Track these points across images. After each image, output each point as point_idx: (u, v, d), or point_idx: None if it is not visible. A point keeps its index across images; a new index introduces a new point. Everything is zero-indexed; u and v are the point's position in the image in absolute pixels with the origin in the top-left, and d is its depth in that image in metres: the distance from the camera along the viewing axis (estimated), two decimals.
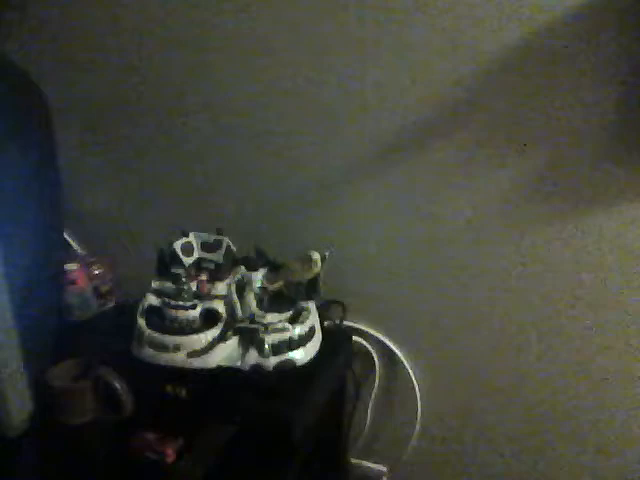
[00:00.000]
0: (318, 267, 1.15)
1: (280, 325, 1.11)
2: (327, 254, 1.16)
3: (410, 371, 1.36)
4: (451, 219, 1.24)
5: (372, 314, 1.37)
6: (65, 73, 1.39)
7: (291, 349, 1.12)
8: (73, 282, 1.34)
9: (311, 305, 1.18)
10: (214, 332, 1.12)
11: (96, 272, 1.41)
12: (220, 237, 1.21)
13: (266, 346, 1.10)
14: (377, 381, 1.40)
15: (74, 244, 1.54)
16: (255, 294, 1.18)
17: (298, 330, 1.12)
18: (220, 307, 1.14)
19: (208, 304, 1.14)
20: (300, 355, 1.12)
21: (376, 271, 1.33)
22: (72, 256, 1.42)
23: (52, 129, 1.23)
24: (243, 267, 1.20)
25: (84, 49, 1.37)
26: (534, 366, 1.27)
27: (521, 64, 1.11)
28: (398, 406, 1.42)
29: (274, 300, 1.19)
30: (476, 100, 1.15)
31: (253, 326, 1.11)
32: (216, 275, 1.19)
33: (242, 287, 1.19)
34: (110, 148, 1.44)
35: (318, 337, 1.18)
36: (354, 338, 1.36)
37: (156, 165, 1.42)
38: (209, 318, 1.14)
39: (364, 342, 1.38)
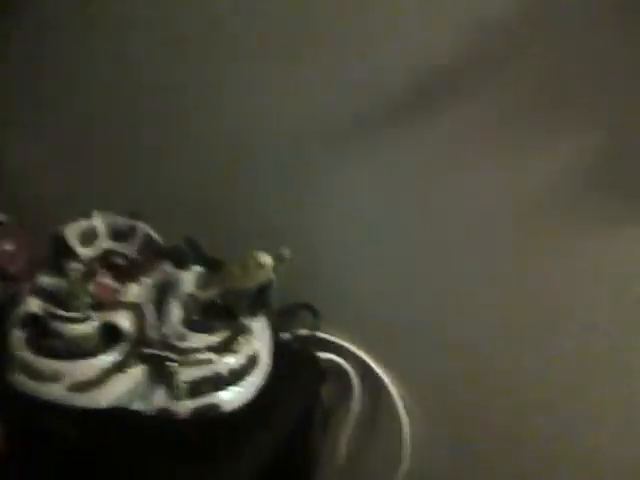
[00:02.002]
0: (269, 274, 0.81)
1: (202, 356, 0.78)
2: (286, 254, 0.82)
3: (395, 397, 1.04)
4: (461, 211, 0.88)
5: (353, 324, 1.03)
6: None
7: (217, 389, 0.78)
8: None
9: (256, 324, 0.84)
10: (110, 358, 0.79)
11: (7, 248, 1.09)
12: (135, 222, 0.87)
13: (178, 384, 0.77)
14: (356, 409, 1.07)
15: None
16: (182, 303, 0.84)
17: (229, 362, 0.79)
18: (124, 321, 0.80)
19: (108, 316, 0.81)
20: (230, 396, 0.79)
21: (360, 269, 0.99)
22: None
23: None
24: (169, 264, 0.87)
25: None
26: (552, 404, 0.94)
27: None
28: (382, 440, 1.09)
29: (208, 314, 0.85)
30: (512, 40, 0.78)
31: (164, 353, 0.78)
32: (128, 274, 0.86)
33: (165, 292, 0.85)
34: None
35: (262, 367, 0.84)
36: (329, 356, 1.02)
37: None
38: (112, 336, 0.81)
39: (341, 360, 1.03)
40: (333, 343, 1.04)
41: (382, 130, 0.88)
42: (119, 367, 0.79)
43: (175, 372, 0.77)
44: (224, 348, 0.80)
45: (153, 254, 0.87)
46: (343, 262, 0.99)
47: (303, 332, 1.02)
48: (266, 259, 0.80)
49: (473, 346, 0.97)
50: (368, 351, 1.04)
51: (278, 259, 0.82)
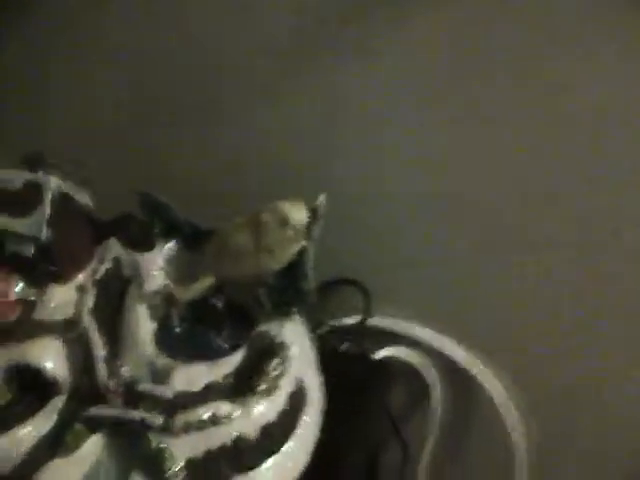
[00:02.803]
0: (301, 237, 0.43)
1: (206, 409, 0.40)
2: (320, 203, 0.45)
3: (500, 405, 0.66)
4: None
5: (416, 302, 0.66)
6: None
7: (241, 468, 0.41)
8: None
9: (290, 331, 0.46)
10: (34, 431, 0.41)
11: None
12: (38, 175, 0.48)
13: (169, 468, 0.39)
14: (437, 419, 0.69)
15: None
16: (152, 309, 0.46)
17: (257, 416, 0.41)
18: (48, 358, 0.43)
19: (17, 352, 0.43)
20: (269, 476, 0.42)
21: (419, 224, 0.61)
22: None
23: None
24: (114, 242, 0.49)
25: None
26: None
27: None
28: (481, 457, 0.71)
29: (198, 324, 0.47)
30: None
31: (136, 414, 0.40)
32: (41, 271, 0.47)
33: (117, 295, 0.47)
34: None
35: (313, 409, 0.47)
36: (391, 352, 0.65)
37: None
38: (29, 389, 0.43)
39: (409, 355, 0.66)
40: (392, 333, 0.67)
41: None
42: (54, 446, 0.42)
43: (161, 448, 0.39)
44: (244, 388, 0.42)
45: (82, 229, 0.49)
46: (393, 215, 0.62)
47: (347, 322, 0.65)
48: (299, 212, 0.42)
49: None
50: (445, 338, 0.67)
51: (314, 212, 0.44)
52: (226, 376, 0.43)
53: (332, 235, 0.50)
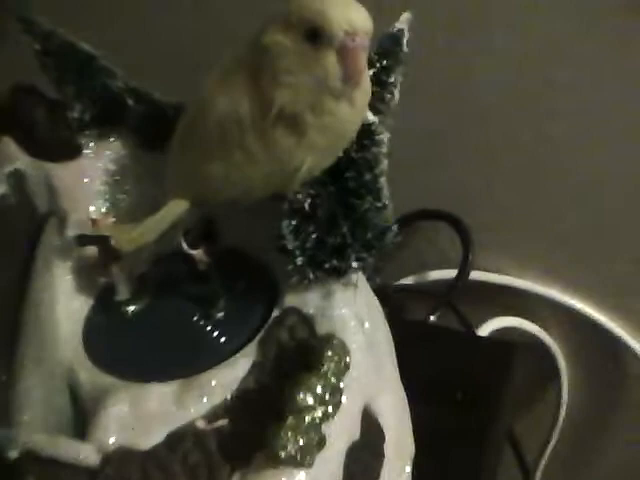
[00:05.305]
0: (365, 90, 0.18)
1: None
2: (404, 26, 0.19)
3: None
4: None
5: (545, 251, 0.43)
6: None
7: None
8: None
9: (347, 309, 0.22)
10: None
11: None
12: None
13: None
14: (563, 410, 0.48)
15: None
16: (79, 276, 0.24)
17: None
18: None
19: None
20: None
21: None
22: None
23: None
24: (10, 145, 0.25)
25: None
26: None
27: None
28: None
29: (162, 297, 0.23)
30: None
31: None
32: None
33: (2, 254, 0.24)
34: None
35: (402, 459, 0.23)
36: (500, 323, 0.41)
37: None
38: None
39: (529, 325, 0.45)
40: (500, 293, 0.43)
41: None
42: None
43: None
44: (250, 442, 0.18)
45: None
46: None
47: (436, 278, 0.42)
48: (358, 13, 0.17)
49: None
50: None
51: (393, 41, 0.20)
52: (215, 411, 0.20)
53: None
